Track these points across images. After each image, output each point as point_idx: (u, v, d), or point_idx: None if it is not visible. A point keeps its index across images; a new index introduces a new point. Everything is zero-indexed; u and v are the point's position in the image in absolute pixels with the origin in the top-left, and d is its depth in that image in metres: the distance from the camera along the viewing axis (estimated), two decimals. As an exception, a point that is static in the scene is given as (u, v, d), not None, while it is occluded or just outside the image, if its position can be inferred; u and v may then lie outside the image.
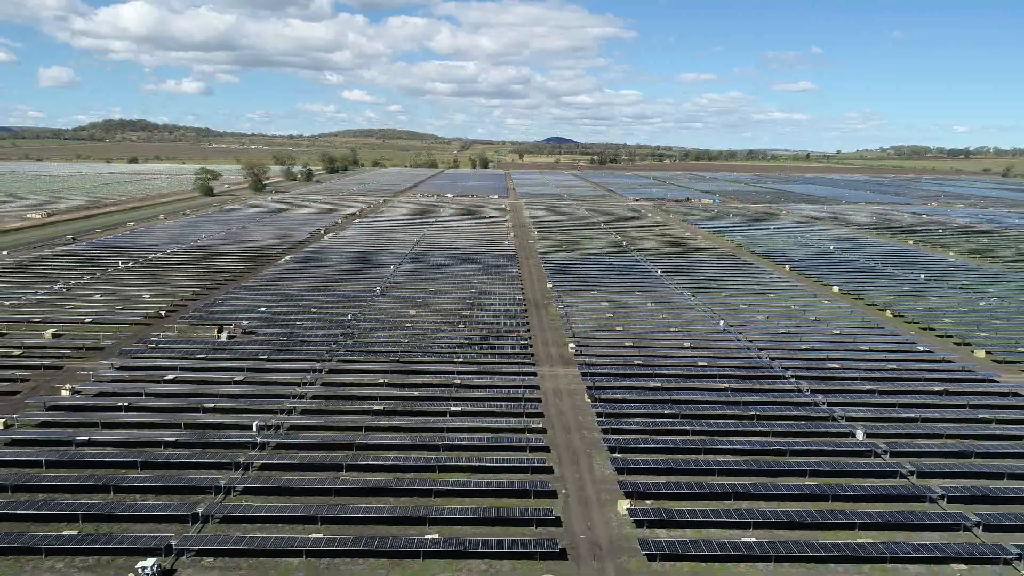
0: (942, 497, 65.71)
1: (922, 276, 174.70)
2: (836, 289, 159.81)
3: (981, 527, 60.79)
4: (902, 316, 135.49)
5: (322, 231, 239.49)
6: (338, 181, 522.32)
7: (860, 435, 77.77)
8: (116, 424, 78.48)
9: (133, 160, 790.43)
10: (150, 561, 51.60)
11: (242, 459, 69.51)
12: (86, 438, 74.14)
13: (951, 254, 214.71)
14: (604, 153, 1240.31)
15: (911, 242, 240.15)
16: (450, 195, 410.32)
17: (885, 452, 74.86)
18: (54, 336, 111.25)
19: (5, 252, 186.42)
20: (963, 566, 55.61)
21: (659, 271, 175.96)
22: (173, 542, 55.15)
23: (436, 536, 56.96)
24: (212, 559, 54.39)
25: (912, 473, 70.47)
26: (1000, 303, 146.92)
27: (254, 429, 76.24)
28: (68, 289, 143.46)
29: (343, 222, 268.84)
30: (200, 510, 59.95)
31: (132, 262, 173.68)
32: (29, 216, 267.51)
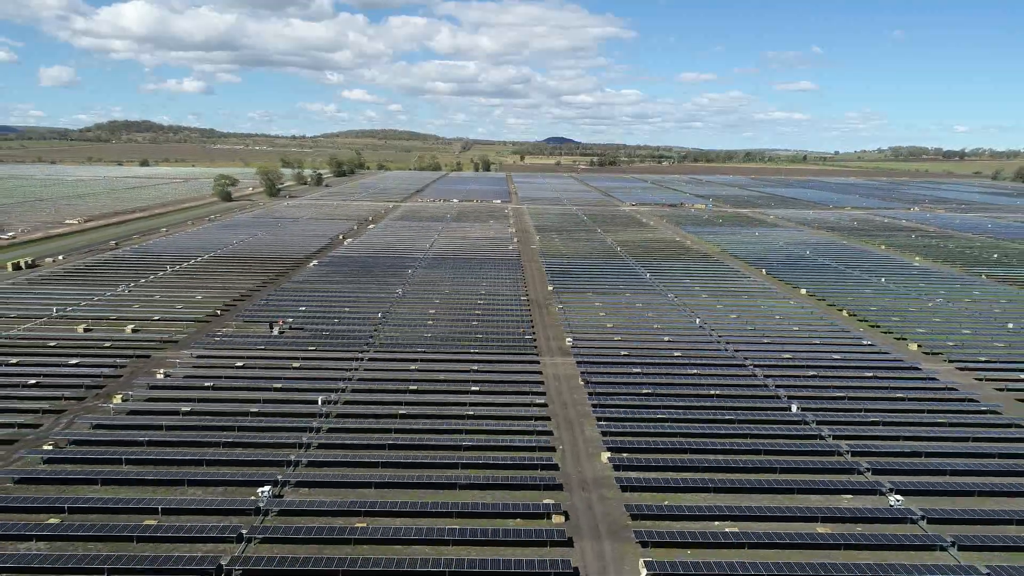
0: (848, 452, 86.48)
1: (883, 279, 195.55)
2: (804, 291, 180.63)
3: (871, 471, 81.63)
4: (856, 315, 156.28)
5: (341, 236, 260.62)
6: (347, 185, 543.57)
7: (795, 408, 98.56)
8: (207, 399, 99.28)
9: (144, 163, 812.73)
10: (266, 488, 72.41)
11: (314, 424, 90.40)
12: (188, 408, 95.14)
13: (916, 259, 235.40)
14: (604, 155, 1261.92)
15: (883, 247, 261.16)
16: (456, 200, 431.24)
17: (813, 422, 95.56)
18: (133, 331, 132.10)
19: (61, 256, 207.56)
20: (850, 496, 76.45)
21: (648, 274, 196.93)
22: (278, 477, 76.06)
23: (467, 474, 77.89)
24: (307, 489, 75.25)
25: (830, 436, 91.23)
26: (944, 303, 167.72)
27: (319, 403, 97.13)
28: (130, 291, 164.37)
29: (359, 228, 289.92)
30: (292, 458, 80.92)
31: (177, 266, 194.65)
32: (68, 222, 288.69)
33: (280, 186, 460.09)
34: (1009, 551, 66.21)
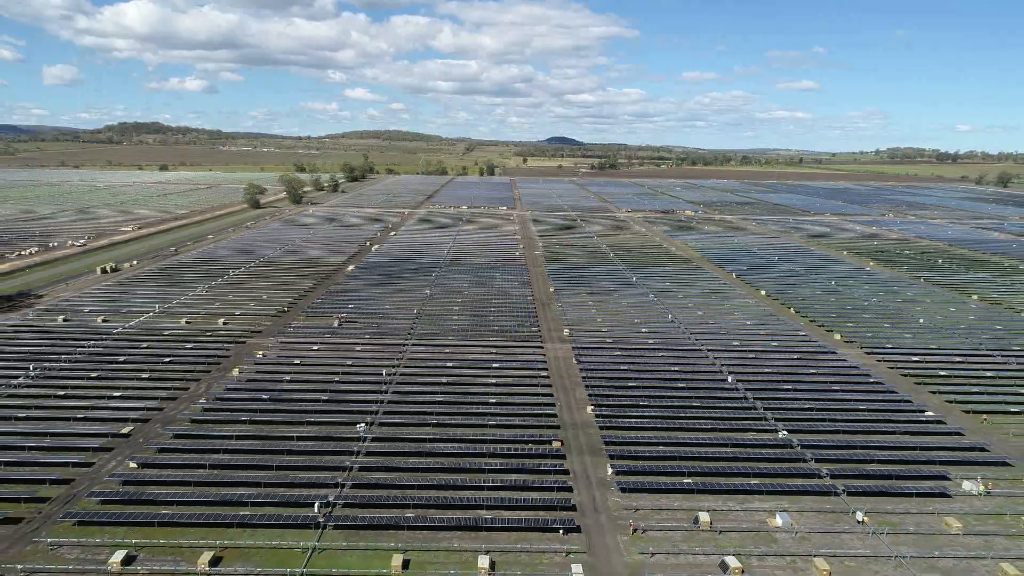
0: (762, 408, 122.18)
1: (833, 282, 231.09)
2: (763, 292, 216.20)
3: (774, 419, 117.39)
4: (800, 312, 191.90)
5: (368, 243, 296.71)
6: (361, 190, 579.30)
7: (730, 379, 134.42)
8: (299, 372, 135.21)
9: (163, 167, 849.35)
10: (362, 424, 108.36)
11: (383, 387, 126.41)
12: (288, 378, 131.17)
13: (869, 264, 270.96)
14: (605, 156, 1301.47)
15: (844, 253, 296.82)
16: (464, 207, 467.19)
17: (742, 388, 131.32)
18: (224, 324, 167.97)
19: (135, 261, 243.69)
20: (754, 432, 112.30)
21: (634, 277, 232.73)
22: (366, 420, 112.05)
23: (494, 420, 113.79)
24: (387, 427, 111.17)
25: (752, 397, 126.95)
26: (877, 303, 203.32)
27: (384, 373, 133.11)
28: (206, 291, 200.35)
29: (382, 234, 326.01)
30: (373, 408, 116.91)
31: (237, 270, 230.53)
32: (123, 229, 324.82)
33: (301, 192, 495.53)
34: (850, 462, 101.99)
